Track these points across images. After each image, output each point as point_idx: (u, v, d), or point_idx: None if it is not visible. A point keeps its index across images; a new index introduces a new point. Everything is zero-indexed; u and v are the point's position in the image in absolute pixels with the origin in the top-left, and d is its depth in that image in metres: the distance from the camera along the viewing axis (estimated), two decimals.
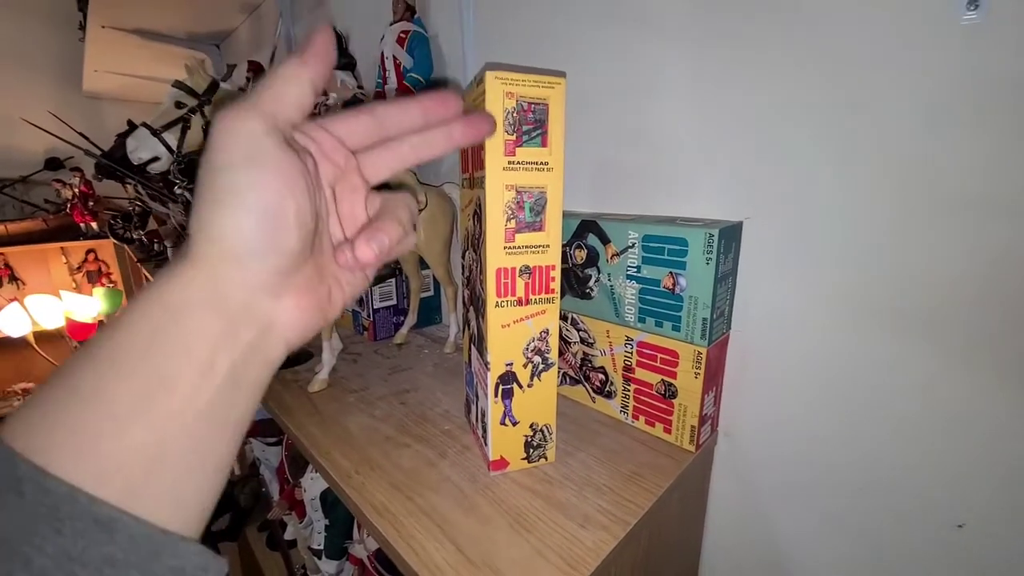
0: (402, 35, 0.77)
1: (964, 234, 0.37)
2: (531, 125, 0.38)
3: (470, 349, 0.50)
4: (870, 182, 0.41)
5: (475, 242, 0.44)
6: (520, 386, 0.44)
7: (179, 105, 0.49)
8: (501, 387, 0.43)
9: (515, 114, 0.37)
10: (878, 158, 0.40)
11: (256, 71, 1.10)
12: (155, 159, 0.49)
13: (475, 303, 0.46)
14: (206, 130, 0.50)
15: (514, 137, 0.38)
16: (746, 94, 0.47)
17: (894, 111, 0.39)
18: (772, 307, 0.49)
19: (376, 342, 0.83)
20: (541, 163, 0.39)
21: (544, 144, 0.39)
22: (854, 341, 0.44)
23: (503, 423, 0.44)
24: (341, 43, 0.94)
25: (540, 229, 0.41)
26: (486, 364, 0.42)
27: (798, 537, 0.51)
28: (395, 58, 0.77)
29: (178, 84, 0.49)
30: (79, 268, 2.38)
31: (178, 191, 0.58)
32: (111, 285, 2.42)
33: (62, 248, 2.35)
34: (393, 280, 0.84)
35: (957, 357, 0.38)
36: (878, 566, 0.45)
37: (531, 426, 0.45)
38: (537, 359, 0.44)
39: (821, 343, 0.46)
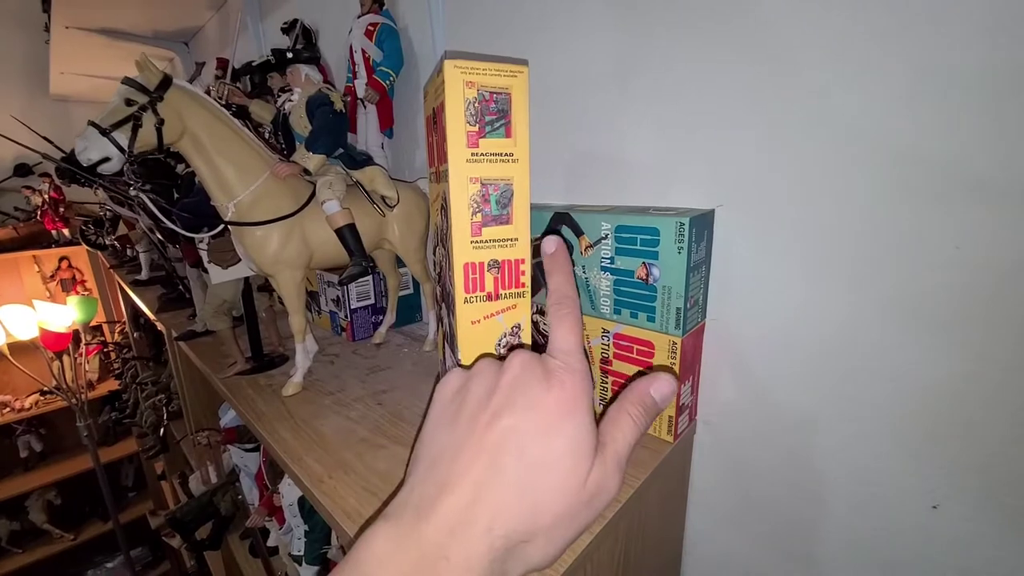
0: (370, 28, 0.75)
1: (941, 214, 0.37)
2: (494, 115, 0.37)
3: (444, 347, 0.50)
4: (842, 166, 0.40)
5: (443, 237, 0.43)
6: None
7: (129, 103, 0.47)
8: None
9: (476, 104, 0.36)
10: (849, 141, 0.40)
11: (224, 68, 1.07)
12: (106, 160, 0.46)
13: (446, 300, 0.45)
14: (159, 128, 0.48)
15: (476, 128, 0.36)
16: (715, 82, 0.47)
17: (862, 95, 0.38)
18: (747, 295, 0.49)
19: (355, 342, 0.82)
20: (506, 154, 0.38)
21: (508, 135, 0.38)
22: (830, 326, 0.44)
23: None
24: (310, 37, 0.92)
25: (507, 222, 0.40)
26: (457, 362, 0.41)
27: (781, 523, 0.51)
28: (364, 51, 0.75)
29: (128, 81, 0.47)
30: (52, 276, 2.32)
31: (133, 192, 0.55)
32: (86, 293, 2.36)
33: (34, 256, 2.28)
34: (370, 279, 0.82)
35: (937, 339, 0.38)
36: (860, 546, 0.46)
37: None
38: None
39: (797, 329, 0.46)
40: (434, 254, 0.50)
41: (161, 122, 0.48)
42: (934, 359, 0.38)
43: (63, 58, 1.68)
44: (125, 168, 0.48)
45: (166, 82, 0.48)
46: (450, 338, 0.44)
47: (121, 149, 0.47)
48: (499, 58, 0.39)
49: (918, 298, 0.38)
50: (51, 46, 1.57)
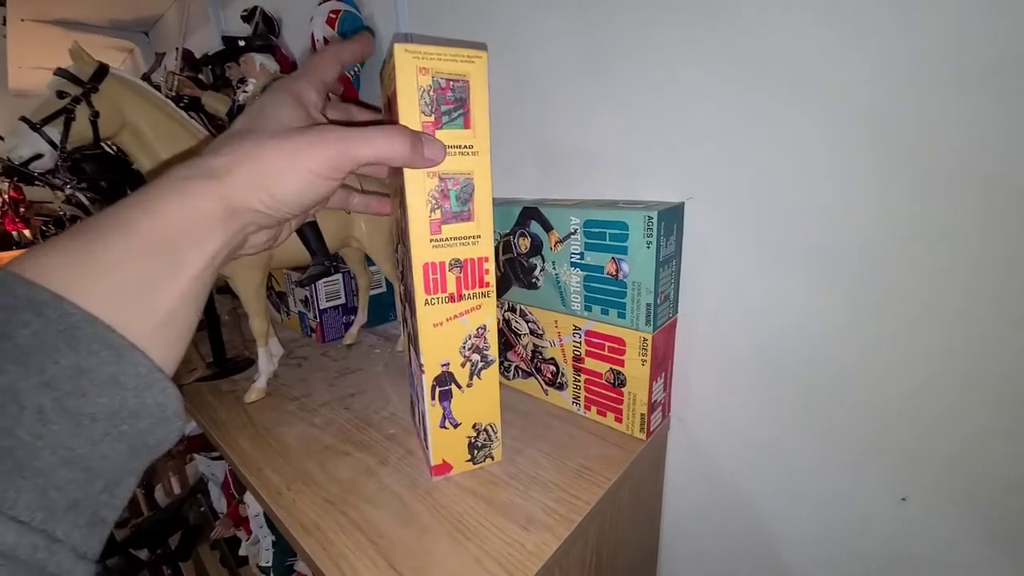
0: (332, 15, 0.72)
1: (912, 206, 0.36)
2: (451, 104, 0.34)
3: (409, 349, 0.48)
4: (811, 158, 0.40)
5: (402, 235, 0.41)
6: (459, 386, 0.41)
7: (61, 95, 0.43)
8: (438, 389, 0.40)
9: (431, 93, 0.33)
10: (817, 133, 0.39)
11: (186, 59, 1.02)
12: (38, 156, 0.43)
13: (408, 300, 0.43)
14: (94, 122, 0.45)
15: (432, 119, 0.34)
16: (683, 74, 0.45)
17: (830, 86, 0.37)
18: (718, 289, 0.48)
19: (324, 344, 0.79)
20: (465, 147, 0.35)
21: (467, 126, 0.35)
22: (803, 319, 0.43)
23: (443, 426, 0.42)
24: (271, 25, 0.88)
25: (469, 219, 0.38)
26: (420, 366, 0.40)
27: (758, 518, 0.51)
28: (326, 40, 0.72)
29: (60, 71, 0.43)
30: None
31: (68, 191, 0.52)
32: None
33: None
34: (340, 278, 0.80)
35: (907, 330, 0.38)
36: (835, 540, 0.45)
37: (474, 427, 0.43)
38: (476, 357, 0.41)
39: (769, 323, 0.45)
40: (396, 252, 0.48)
41: (96, 115, 0.44)
42: (902, 353, 0.38)
43: (20, 52, 1.60)
44: (58, 165, 0.44)
45: (101, 72, 0.45)
46: (414, 340, 0.42)
47: (53, 144, 0.43)
48: (456, 42, 0.37)
49: (885, 292, 0.38)
50: (8, 40, 1.49)
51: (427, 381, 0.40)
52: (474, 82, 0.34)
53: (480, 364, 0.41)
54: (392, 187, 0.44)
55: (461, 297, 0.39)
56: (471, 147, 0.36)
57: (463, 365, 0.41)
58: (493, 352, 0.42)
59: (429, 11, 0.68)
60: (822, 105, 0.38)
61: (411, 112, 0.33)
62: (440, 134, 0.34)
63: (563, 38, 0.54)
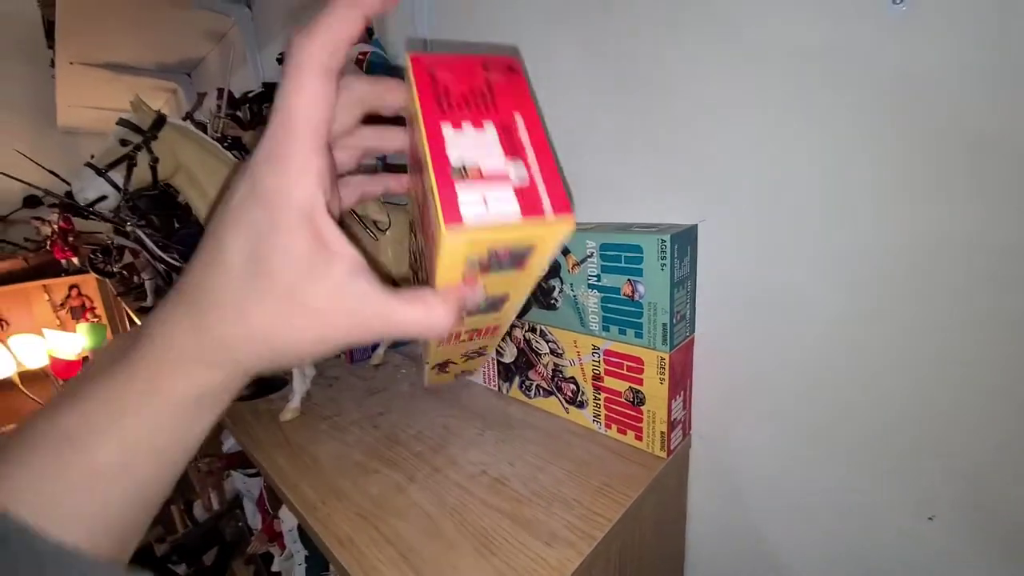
0: (360, 57, 0.77)
1: (913, 219, 0.37)
2: (505, 259, 0.23)
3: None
4: (817, 179, 0.41)
5: (419, 258, 0.34)
6: (455, 363, 0.35)
7: (124, 143, 0.49)
8: (437, 369, 0.35)
9: (484, 260, 0.22)
10: (823, 153, 0.40)
11: (228, 99, 1.10)
12: (103, 198, 0.48)
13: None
14: (154, 167, 0.50)
15: (477, 270, 0.23)
16: (693, 98, 0.47)
17: (832, 107, 0.39)
18: (734, 308, 0.49)
19: (353, 364, 0.82)
20: (512, 276, 0.25)
21: (521, 267, 0.24)
22: (821, 335, 0.44)
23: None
24: None
25: (494, 312, 0.29)
26: (424, 362, 0.35)
27: (781, 535, 0.51)
28: None
29: (122, 122, 0.49)
30: (62, 304, 2.36)
31: (129, 228, 0.57)
32: (96, 320, 2.39)
33: (44, 286, 2.33)
34: None
35: (928, 342, 0.38)
36: (858, 559, 0.45)
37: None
38: (474, 355, 0.34)
39: (787, 340, 0.46)
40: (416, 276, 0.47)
41: (155, 160, 0.50)
42: (926, 370, 0.38)
43: (69, 92, 1.73)
44: (121, 205, 0.49)
45: (160, 121, 0.50)
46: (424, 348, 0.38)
47: (117, 187, 0.48)
48: (473, 47, 0.29)
49: (905, 306, 0.38)
50: (56, 80, 1.61)
51: (428, 368, 0.35)
52: (542, 247, 0.22)
53: (478, 356, 0.35)
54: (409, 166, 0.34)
55: (471, 340, 0.32)
56: (518, 276, 0.26)
57: (463, 359, 0.35)
58: (491, 350, 0.35)
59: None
60: (832, 124, 0.39)
61: (454, 275, 0.22)
62: (486, 278, 0.24)
63: (576, 59, 0.56)
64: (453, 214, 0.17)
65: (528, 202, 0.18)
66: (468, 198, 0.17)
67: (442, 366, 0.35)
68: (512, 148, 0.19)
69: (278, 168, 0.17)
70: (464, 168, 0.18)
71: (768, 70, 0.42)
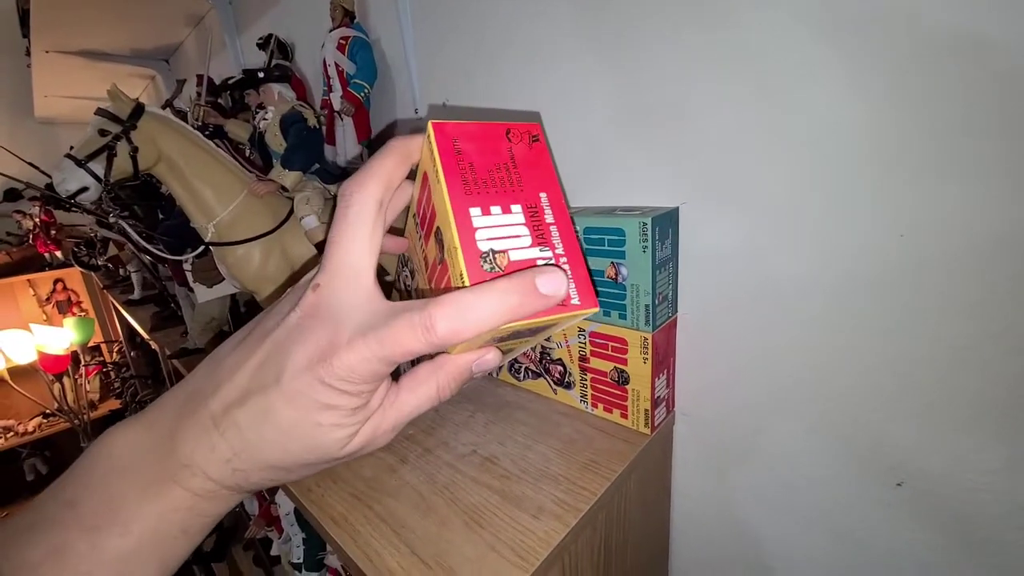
0: (342, 41, 0.76)
1: (899, 202, 0.38)
2: (525, 334, 0.22)
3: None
4: (802, 162, 0.42)
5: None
6: None
7: (103, 133, 0.48)
8: None
9: (504, 336, 0.21)
10: (806, 137, 0.41)
11: (208, 86, 1.08)
12: (84, 189, 0.48)
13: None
14: (134, 156, 0.49)
15: (495, 342, 0.22)
16: (673, 83, 0.48)
17: (817, 94, 0.40)
18: (715, 288, 0.50)
19: None
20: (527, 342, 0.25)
21: (536, 335, 0.23)
22: (796, 312, 0.45)
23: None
24: (285, 52, 0.93)
25: None
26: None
27: (762, 508, 0.53)
28: (337, 65, 0.77)
29: (100, 111, 0.48)
30: (48, 299, 2.33)
31: (112, 219, 0.57)
32: (82, 314, 2.37)
33: (29, 280, 2.29)
34: None
35: (913, 321, 0.40)
36: (839, 526, 0.47)
37: None
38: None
39: (768, 318, 0.47)
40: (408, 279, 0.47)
41: (135, 150, 0.49)
42: (900, 341, 0.40)
43: (45, 81, 1.68)
44: (103, 196, 0.49)
45: (138, 110, 0.50)
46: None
47: (97, 178, 0.48)
48: (488, 112, 0.29)
49: (885, 289, 0.40)
50: (32, 70, 1.57)
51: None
52: (562, 324, 0.20)
53: None
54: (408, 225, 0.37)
55: None
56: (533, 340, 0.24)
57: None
58: None
59: (430, 32, 0.71)
60: (812, 108, 0.40)
61: (470, 347, 0.21)
62: (502, 344, 0.23)
63: (553, 49, 0.56)
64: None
65: (562, 308, 0.18)
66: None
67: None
68: (539, 232, 0.19)
69: (321, 333, 0.18)
70: (493, 255, 0.18)
71: (754, 49, 0.42)
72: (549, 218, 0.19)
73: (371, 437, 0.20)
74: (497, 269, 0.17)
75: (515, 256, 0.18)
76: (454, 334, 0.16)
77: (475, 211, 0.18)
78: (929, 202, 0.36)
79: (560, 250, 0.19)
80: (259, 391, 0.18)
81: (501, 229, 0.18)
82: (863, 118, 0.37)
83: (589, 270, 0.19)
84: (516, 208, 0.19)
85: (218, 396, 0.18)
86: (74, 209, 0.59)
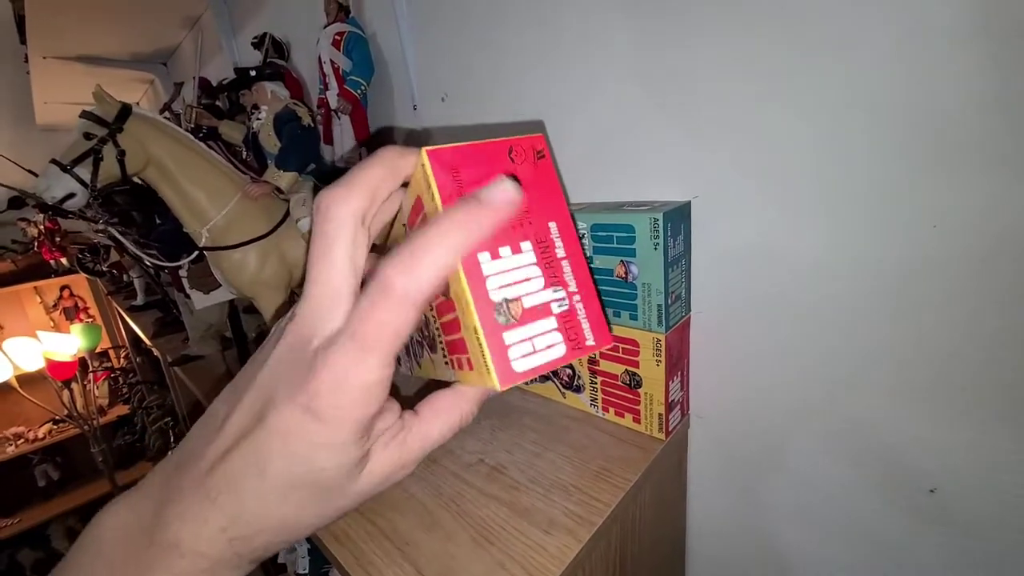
0: (337, 37, 0.74)
1: (912, 195, 0.35)
2: None
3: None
4: (817, 152, 0.39)
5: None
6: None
7: (88, 136, 0.46)
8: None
9: None
10: (824, 125, 0.38)
11: (203, 88, 1.06)
12: (70, 195, 0.46)
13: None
14: (121, 160, 0.48)
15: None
16: (687, 70, 0.45)
17: (832, 78, 0.37)
18: (731, 285, 0.48)
19: None
20: None
21: None
22: (816, 310, 0.42)
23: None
24: (281, 50, 0.90)
25: None
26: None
27: (784, 514, 0.50)
28: (333, 62, 0.74)
29: (85, 114, 0.46)
30: (55, 306, 2.34)
31: (101, 225, 0.55)
32: (89, 320, 2.37)
33: (35, 287, 2.30)
34: None
35: (920, 324, 0.37)
36: (863, 532, 0.45)
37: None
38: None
39: (785, 316, 0.45)
40: None
41: (122, 153, 0.47)
42: (917, 339, 0.37)
43: (45, 88, 1.69)
44: (91, 202, 0.47)
45: (125, 112, 0.48)
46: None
47: (84, 184, 0.46)
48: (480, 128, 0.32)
49: (895, 277, 0.37)
50: (32, 77, 1.57)
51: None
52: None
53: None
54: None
55: None
56: None
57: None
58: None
59: (427, 24, 0.69)
60: (825, 101, 0.38)
61: None
62: None
63: (558, 40, 0.54)
64: (504, 367, 0.16)
65: (571, 335, 0.17)
66: (517, 348, 0.16)
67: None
68: (551, 271, 0.17)
69: (319, 375, 0.15)
70: (507, 305, 0.16)
71: (767, 38, 0.39)
72: (560, 251, 0.18)
73: (394, 468, 0.18)
74: (512, 320, 0.16)
75: (528, 302, 0.17)
76: (414, 280, 0.14)
77: (484, 256, 0.16)
78: (964, 195, 0.33)
79: (573, 287, 0.17)
80: (246, 437, 0.16)
81: (512, 273, 0.17)
82: (893, 108, 0.35)
83: (602, 303, 0.18)
84: (526, 246, 0.17)
85: (207, 454, 0.16)
86: (70, 216, 0.57)
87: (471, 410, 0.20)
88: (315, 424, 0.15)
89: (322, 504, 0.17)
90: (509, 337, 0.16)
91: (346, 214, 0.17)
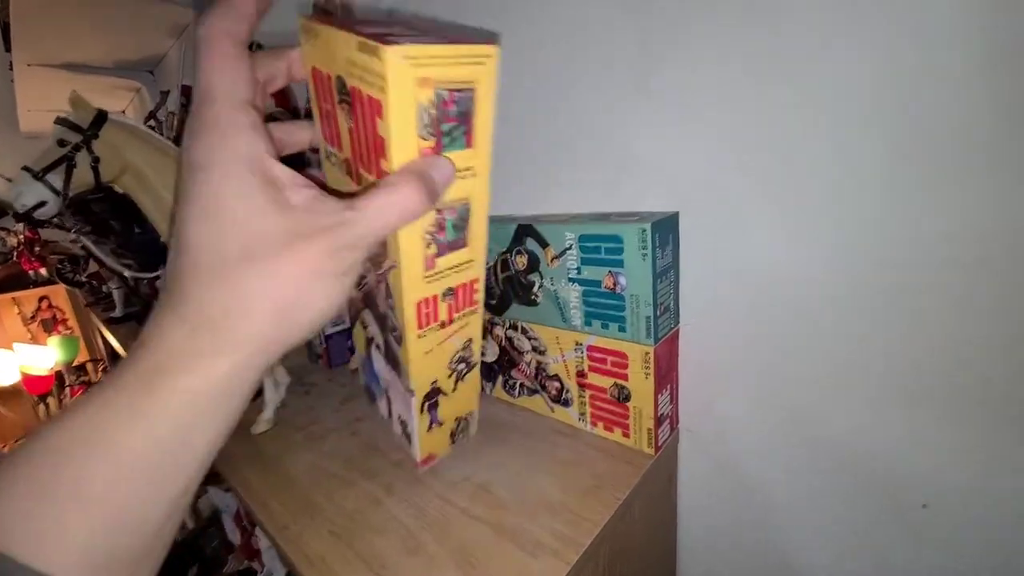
0: None
1: (903, 210, 0.35)
2: (453, 122, 0.26)
3: (369, 348, 0.44)
4: (809, 161, 0.39)
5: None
6: (444, 394, 0.40)
7: (62, 143, 0.45)
8: (426, 404, 0.40)
9: (432, 111, 0.25)
10: (806, 139, 0.38)
11: (188, 95, 1.05)
12: (42, 204, 0.44)
13: (380, 321, 0.41)
14: (95, 167, 0.46)
15: (432, 143, 0.26)
16: (677, 81, 0.45)
17: (819, 99, 0.37)
18: (720, 297, 0.47)
19: (331, 369, 0.79)
20: (465, 169, 0.29)
21: (469, 144, 0.28)
22: (812, 324, 0.42)
23: (430, 430, 0.41)
24: None
25: (463, 246, 0.33)
26: (409, 391, 0.39)
27: (777, 529, 0.49)
28: None
29: (60, 120, 0.45)
30: (33, 317, 2.28)
31: (73, 235, 0.53)
32: (68, 332, 2.31)
33: (14, 298, 2.24)
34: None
35: (913, 338, 0.37)
36: (856, 548, 0.44)
37: (455, 420, 0.43)
38: (462, 367, 0.40)
39: (775, 329, 0.44)
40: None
41: (96, 160, 0.46)
42: (903, 351, 0.37)
43: (29, 95, 1.66)
44: (63, 211, 0.46)
45: (100, 118, 0.46)
46: (392, 360, 0.41)
47: (56, 191, 0.44)
48: (446, 28, 0.33)
49: (885, 289, 0.37)
50: (16, 84, 1.55)
51: (417, 402, 0.39)
52: (481, 90, 0.27)
53: (464, 371, 0.40)
54: (331, 177, 0.35)
55: (452, 321, 0.38)
56: (471, 169, 0.29)
57: (450, 376, 0.40)
58: (476, 357, 0.40)
59: None
60: (814, 110, 0.37)
61: (408, 139, 0.25)
62: (444, 154, 0.27)
63: (546, 45, 0.54)
64: (390, 42, 0.20)
65: (454, 40, 0.23)
66: (399, 38, 0.21)
67: (433, 407, 0.37)
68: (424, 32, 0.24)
69: (208, 134, 0.18)
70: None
71: (756, 42, 0.39)
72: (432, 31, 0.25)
73: (320, 214, 0.19)
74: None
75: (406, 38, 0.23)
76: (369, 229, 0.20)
77: (362, 27, 0.23)
78: (960, 204, 0.33)
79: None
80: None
81: (388, 29, 0.24)
82: (892, 114, 0.35)
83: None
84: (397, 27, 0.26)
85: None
86: (44, 225, 0.55)
87: (410, 187, 0.21)
88: (203, 174, 0.17)
89: (265, 251, 0.17)
90: (391, 37, 0.22)
91: (216, 32, 0.20)
